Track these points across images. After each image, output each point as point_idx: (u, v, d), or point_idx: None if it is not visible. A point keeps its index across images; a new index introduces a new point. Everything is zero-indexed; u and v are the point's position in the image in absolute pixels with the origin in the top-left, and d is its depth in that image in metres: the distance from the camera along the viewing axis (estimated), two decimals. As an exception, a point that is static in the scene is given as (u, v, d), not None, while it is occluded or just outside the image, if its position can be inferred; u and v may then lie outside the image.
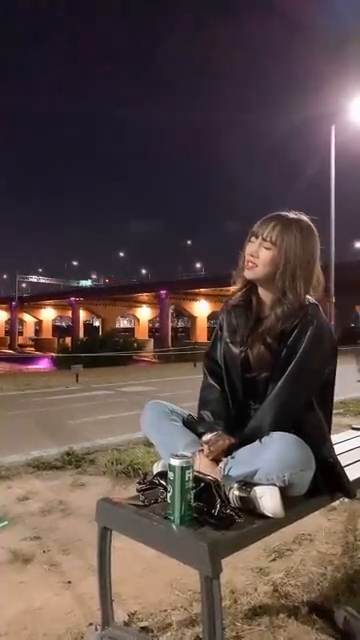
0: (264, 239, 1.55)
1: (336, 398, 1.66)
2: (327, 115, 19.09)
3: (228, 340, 1.65)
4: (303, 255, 1.55)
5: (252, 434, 1.49)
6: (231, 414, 1.62)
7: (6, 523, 2.38)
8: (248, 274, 1.59)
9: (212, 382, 1.69)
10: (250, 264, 1.58)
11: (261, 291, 1.63)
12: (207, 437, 1.54)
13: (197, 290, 49.28)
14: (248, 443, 1.49)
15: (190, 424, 1.67)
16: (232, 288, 1.71)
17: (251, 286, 1.66)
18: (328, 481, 1.54)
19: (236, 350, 1.62)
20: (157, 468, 1.64)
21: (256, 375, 1.58)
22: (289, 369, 1.51)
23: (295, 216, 1.58)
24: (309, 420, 1.53)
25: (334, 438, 1.74)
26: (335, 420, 1.68)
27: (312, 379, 1.55)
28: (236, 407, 1.63)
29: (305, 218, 1.60)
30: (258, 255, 1.56)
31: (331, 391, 1.62)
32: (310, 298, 1.58)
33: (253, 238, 1.58)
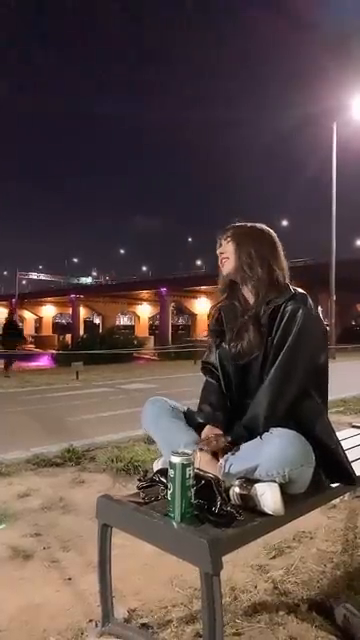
0: (226, 237, 1.75)
1: (336, 396, 1.66)
2: (329, 112, 19.05)
3: (220, 341, 1.73)
4: (262, 244, 1.71)
5: (249, 424, 1.52)
6: (229, 406, 1.66)
7: (4, 526, 2.38)
8: (225, 270, 1.75)
9: (212, 380, 1.75)
10: (223, 259, 1.75)
11: (243, 290, 1.72)
12: (205, 435, 1.56)
13: (197, 287, 49.23)
14: (247, 433, 1.51)
15: (190, 415, 1.71)
16: (216, 295, 1.84)
17: (233, 287, 1.76)
18: (331, 472, 1.55)
19: (227, 347, 1.69)
20: (157, 465, 1.64)
21: (247, 360, 1.63)
22: (280, 356, 1.54)
23: (252, 223, 1.78)
24: (306, 406, 1.55)
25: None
26: (335, 418, 1.68)
27: (304, 364, 1.57)
28: (232, 401, 1.67)
29: (262, 225, 1.78)
30: (225, 250, 1.74)
31: (325, 376, 1.64)
32: (299, 289, 1.64)
33: (218, 244, 1.78)
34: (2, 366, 11.62)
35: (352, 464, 1.81)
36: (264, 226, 1.80)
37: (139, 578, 1.88)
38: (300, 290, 1.65)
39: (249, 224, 1.79)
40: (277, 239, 1.78)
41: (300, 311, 1.57)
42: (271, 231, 1.79)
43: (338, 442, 1.62)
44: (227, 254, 1.74)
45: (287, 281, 1.71)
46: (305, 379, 1.56)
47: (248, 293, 1.71)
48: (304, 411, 1.55)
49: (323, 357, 1.64)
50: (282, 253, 1.76)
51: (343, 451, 1.62)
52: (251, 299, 1.70)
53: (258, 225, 1.80)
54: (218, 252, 1.78)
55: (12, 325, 12.29)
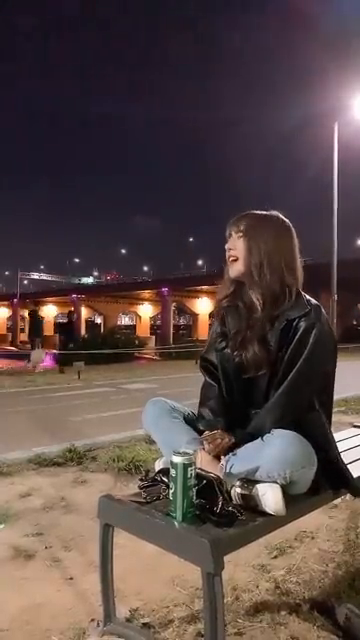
0: (238, 230, 1.61)
1: (337, 396, 1.66)
2: (330, 112, 19.03)
3: (223, 345, 1.66)
4: (278, 246, 1.58)
5: (254, 433, 1.50)
6: (230, 412, 1.63)
7: (3, 526, 2.38)
8: (232, 271, 1.63)
9: (211, 381, 1.71)
10: (231, 258, 1.63)
11: (249, 290, 1.64)
12: (208, 435, 1.54)
13: (199, 287, 49.20)
14: (250, 441, 1.49)
15: (191, 421, 1.68)
16: (220, 290, 1.73)
17: (239, 286, 1.67)
18: (332, 480, 1.54)
19: (230, 353, 1.62)
20: (159, 465, 1.64)
21: (252, 375, 1.58)
22: (293, 372, 1.50)
23: (267, 212, 1.64)
24: (311, 420, 1.53)
25: (336, 436, 1.74)
26: (336, 418, 1.68)
27: (316, 381, 1.55)
28: (234, 408, 1.63)
29: (277, 214, 1.64)
30: (235, 247, 1.62)
31: (331, 390, 1.62)
32: (312, 300, 1.58)
33: (228, 236, 1.64)
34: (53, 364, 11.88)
35: (353, 464, 1.81)
36: (282, 218, 1.64)
37: (141, 578, 1.88)
38: (314, 301, 1.57)
39: (266, 214, 1.63)
40: (295, 235, 1.65)
41: (315, 329, 1.51)
42: (290, 226, 1.65)
43: (341, 459, 1.60)
44: (236, 253, 1.61)
45: (300, 287, 1.61)
46: (314, 395, 1.55)
47: (255, 299, 1.62)
48: (307, 423, 1.52)
49: (332, 372, 1.60)
50: (299, 255, 1.64)
51: (345, 466, 1.60)
52: (258, 306, 1.61)
53: (276, 217, 1.64)
54: (227, 247, 1.64)
55: (70, 325, 13.02)
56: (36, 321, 12.73)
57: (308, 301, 1.57)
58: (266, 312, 1.57)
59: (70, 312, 17.20)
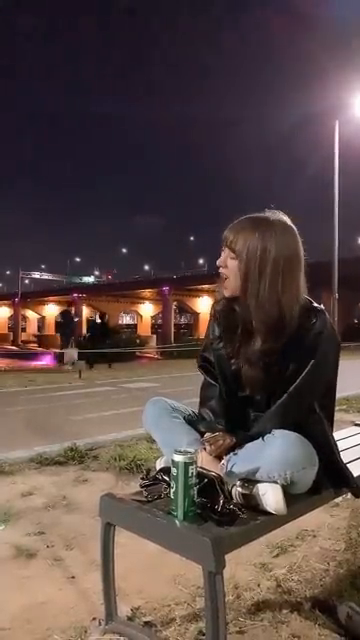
0: (229, 247, 1.46)
1: (339, 395, 1.65)
2: (331, 111, 19.01)
3: (220, 347, 1.62)
4: (270, 261, 1.40)
5: (256, 437, 1.48)
6: (230, 412, 1.61)
7: (3, 527, 2.38)
8: (225, 292, 1.51)
9: (211, 381, 1.69)
10: (223, 276, 1.49)
11: (245, 314, 1.51)
12: (209, 435, 1.54)
13: (200, 286, 49.21)
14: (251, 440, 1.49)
15: (192, 421, 1.67)
16: (217, 291, 1.62)
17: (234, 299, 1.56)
18: (333, 479, 1.54)
19: (226, 357, 1.58)
20: (160, 464, 1.64)
21: (249, 394, 1.55)
22: (298, 381, 1.47)
23: (266, 217, 1.46)
24: (311, 423, 1.51)
25: (336, 435, 1.74)
26: (338, 416, 1.68)
27: (320, 388, 1.54)
28: (234, 408, 1.61)
29: (281, 218, 1.47)
30: (226, 265, 1.47)
31: (333, 394, 1.61)
32: (316, 305, 1.51)
33: (223, 246, 1.48)
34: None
35: (354, 462, 1.81)
36: (286, 224, 1.45)
37: (142, 576, 1.88)
38: (318, 307, 1.49)
39: (266, 221, 1.43)
40: (301, 245, 1.47)
41: (321, 340, 1.46)
42: (296, 234, 1.46)
43: (342, 461, 1.59)
44: (227, 272, 1.46)
45: (305, 294, 1.49)
46: (316, 401, 1.53)
47: (251, 302, 1.46)
48: (307, 424, 1.50)
49: (335, 376, 1.58)
50: (303, 271, 1.47)
51: (347, 469, 1.59)
52: (258, 338, 1.47)
53: (279, 224, 1.44)
54: (218, 263, 1.49)
55: (103, 325, 13.47)
56: (68, 321, 13.48)
57: (312, 310, 1.49)
58: (268, 345, 1.45)
59: (102, 313, 17.60)
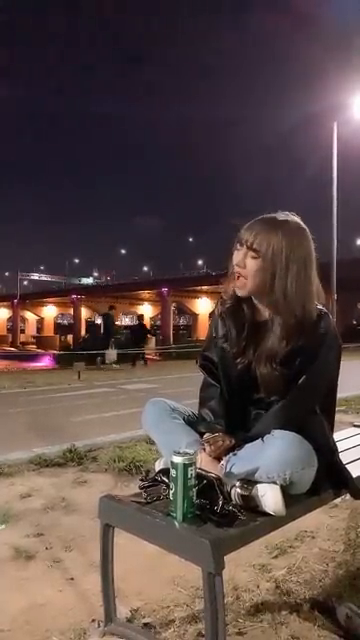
0: (249, 247, 1.44)
1: (339, 395, 1.66)
2: (329, 111, 19.05)
3: (224, 345, 1.61)
4: (294, 261, 1.43)
5: (256, 437, 1.49)
6: (231, 413, 1.61)
7: (3, 527, 2.38)
8: (240, 292, 1.51)
9: (211, 381, 1.68)
10: (239, 276, 1.48)
11: (255, 299, 1.55)
12: (208, 436, 1.54)
13: (199, 287, 49.23)
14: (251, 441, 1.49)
15: (191, 422, 1.67)
16: (224, 289, 1.62)
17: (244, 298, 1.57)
18: (332, 480, 1.54)
19: (232, 357, 1.58)
20: (159, 465, 1.64)
21: (264, 397, 1.55)
22: (301, 382, 1.48)
23: (283, 218, 1.48)
24: (312, 424, 1.51)
25: (336, 436, 1.74)
26: (337, 417, 1.68)
27: (322, 390, 1.55)
28: (235, 408, 1.62)
29: (295, 219, 1.49)
30: (245, 265, 1.46)
31: (334, 395, 1.62)
32: (321, 307, 1.52)
33: (239, 245, 1.48)
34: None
35: (353, 464, 1.81)
36: (299, 225, 1.47)
37: (141, 578, 1.88)
38: (322, 310, 1.51)
39: (285, 222, 1.45)
40: (313, 248, 1.50)
41: (325, 341, 1.48)
42: (310, 236, 1.49)
43: (341, 463, 1.59)
44: (245, 273, 1.46)
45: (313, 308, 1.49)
46: (318, 402, 1.55)
47: (262, 303, 1.52)
48: (307, 425, 1.50)
49: (336, 378, 1.59)
50: (315, 265, 1.50)
51: (347, 471, 1.59)
52: (262, 309, 1.53)
53: (295, 224, 1.46)
54: (234, 262, 1.48)
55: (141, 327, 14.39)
56: (109, 322, 14.16)
57: (319, 311, 1.50)
58: (289, 344, 1.47)
59: (140, 316, 18.40)
